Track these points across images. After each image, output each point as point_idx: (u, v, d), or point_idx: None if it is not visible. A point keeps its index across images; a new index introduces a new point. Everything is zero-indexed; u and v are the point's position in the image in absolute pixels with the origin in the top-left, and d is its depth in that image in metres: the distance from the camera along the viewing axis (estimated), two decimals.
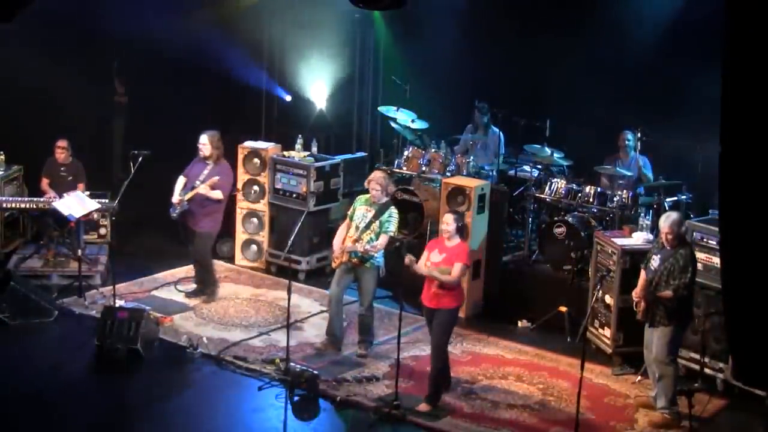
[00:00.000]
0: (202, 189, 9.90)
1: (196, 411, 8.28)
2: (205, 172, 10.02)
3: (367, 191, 9.14)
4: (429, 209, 10.84)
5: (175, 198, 10.04)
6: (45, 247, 10.87)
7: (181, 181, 10.15)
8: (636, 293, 8.16)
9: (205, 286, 10.37)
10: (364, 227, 8.91)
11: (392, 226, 8.89)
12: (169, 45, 12.86)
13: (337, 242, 9.11)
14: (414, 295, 10.28)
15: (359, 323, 9.21)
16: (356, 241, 8.90)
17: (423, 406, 8.18)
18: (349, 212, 9.22)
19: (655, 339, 8.05)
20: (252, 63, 14.01)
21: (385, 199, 9.00)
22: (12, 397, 8.21)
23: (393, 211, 8.98)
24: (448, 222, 8.15)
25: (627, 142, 10.82)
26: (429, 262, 8.15)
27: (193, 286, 10.57)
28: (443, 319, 8.13)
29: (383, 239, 8.84)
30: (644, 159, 10.85)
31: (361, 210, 9.02)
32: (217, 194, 9.95)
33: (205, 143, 10.06)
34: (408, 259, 8.10)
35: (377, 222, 8.88)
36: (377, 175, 9.12)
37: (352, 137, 13.63)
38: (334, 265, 9.18)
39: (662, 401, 8.13)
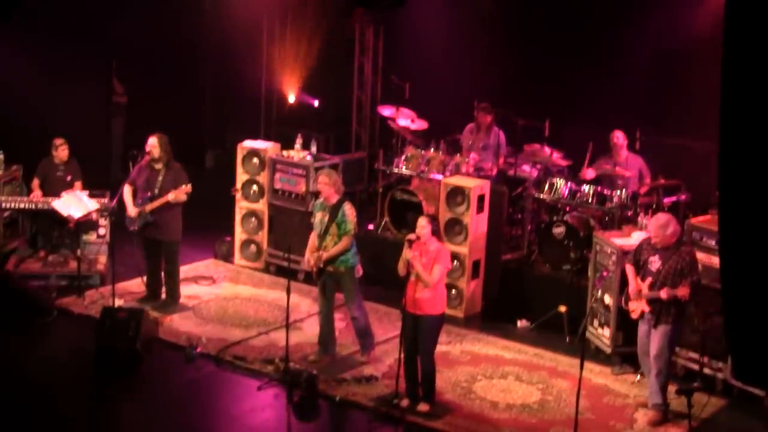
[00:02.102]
0: (172, 197, 9.72)
1: (196, 411, 8.27)
2: (160, 178, 9.82)
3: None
4: (429, 209, 10.83)
5: (132, 210, 9.86)
6: (44, 247, 10.88)
7: (128, 190, 9.90)
8: (636, 293, 8.17)
9: (167, 297, 10.19)
10: (323, 233, 8.82)
11: (349, 225, 8.76)
12: (169, 44, 12.88)
13: (307, 253, 9.04)
14: None
15: (354, 328, 9.18)
16: (320, 249, 8.82)
17: (422, 406, 8.19)
18: (312, 220, 9.12)
19: (655, 337, 8.06)
20: (252, 63, 14.03)
21: (336, 198, 8.87)
22: (12, 397, 8.21)
23: (345, 208, 8.81)
24: (422, 225, 8.07)
25: (617, 141, 10.80)
26: (413, 266, 8.06)
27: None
28: (429, 326, 8.09)
29: (344, 241, 8.76)
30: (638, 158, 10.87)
31: (318, 216, 8.91)
32: (184, 197, 9.80)
33: (154, 145, 9.80)
34: (414, 235, 8.03)
35: (334, 225, 8.79)
36: (322, 175, 8.99)
37: (351, 137, 13.63)
38: (315, 277, 9.08)
39: (656, 397, 8.16)
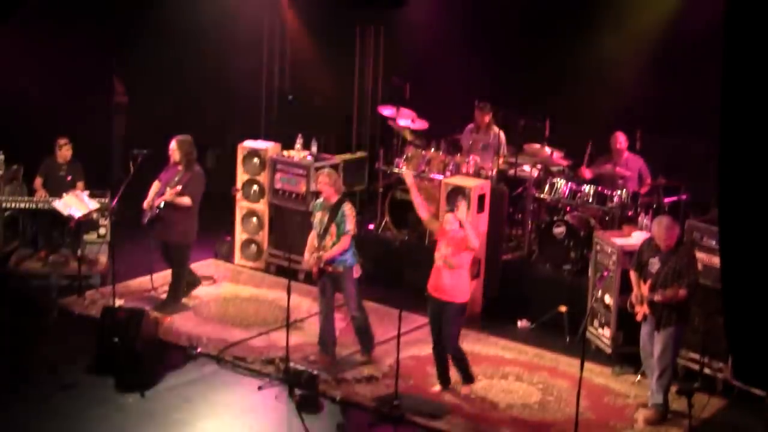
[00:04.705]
0: (168, 196, 9.74)
1: (196, 411, 8.27)
2: (176, 178, 9.85)
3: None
4: (429, 208, 10.83)
5: (145, 203, 9.91)
6: (44, 247, 10.89)
7: (155, 186, 9.98)
8: (637, 297, 8.16)
9: (168, 297, 10.17)
10: (323, 233, 8.81)
11: (349, 225, 8.75)
12: (169, 44, 12.87)
13: (306, 253, 9.02)
14: (412, 295, 10.31)
15: (354, 327, 9.18)
16: (319, 250, 8.82)
17: (464, 389, 8.49)
18: (312, 220, 9.11)
19: (658, 339, 8.06)
20: (252, 62, 14.02)
21: (336, 198, 8.87)
22: (11, 397, 8.21)
23: (346, 208, 8.80)
24: (449, 221, 8.28)
25: (619, 145, 10.80)
26: (438, 254, 8.33)
27: (206, 282, 10.74)
28: (452, 313, 8.27)
29: (344, 241, 8.75)
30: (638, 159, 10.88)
31: (318, 216, 8.91)
32: (185, 200, 9.79)
33: (174, 148, 9.86)
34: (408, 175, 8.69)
35: (334, 225, 8.78)
36: (322, 175, 9.01)
37: (352, 137, 13.63)
38: (314, 277, 9.08)
39: (658, 397, 8.17)
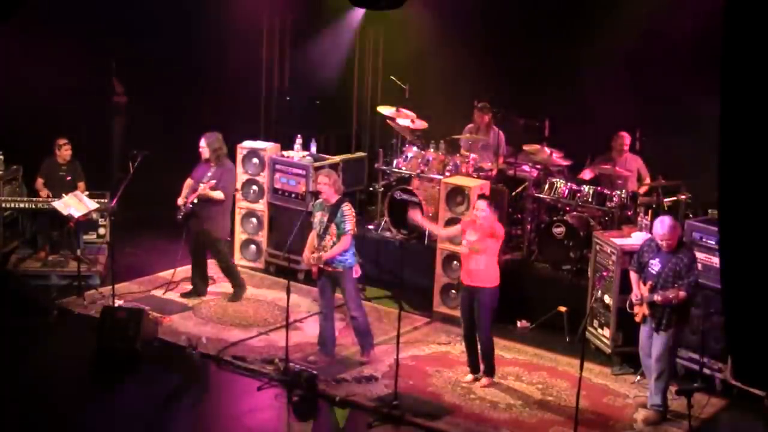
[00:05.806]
0: (202, 190, 9.97)
1: (195, 411, 8.27)
2: (209, 174, 10.08)
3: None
4: (428, 209, 10.83)
5: (180, 200, 10.11)
6: (44, 248, 10.88)
7: (187, 183, 10.22)
8: (637, 297, 8.14)
9: (234, 288, 10.52)
10: (323, 233, 8.82)
11: (348, 225, 8.76)
12: (168, 44, 12.87)
13: (305, 253, 9.03)
14: (412, 295, 10.30)
15: (353, 327, 9.17)
16: (319, 249, 8.83)
17: (484, 381, 8.62)
18: (312, 220, 9.11)
19: (657, 340, 8.05)
20: (251, 62, 14.02)
21: (336, 198, 8.89)
22: (11, 398, 8.21)
23: (345, 208, 8.82)
24: (482, 208, 8.46)
25: (624, 145, 10.80)
26: (465, 241, 8.53)
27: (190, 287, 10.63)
28: (483, 298, 8.44)
29: (344, 241, 8.75)
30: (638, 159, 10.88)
31: (318, 216, 8.92)
32: (218, 194, 10.02)
33: (203, 146, 10.16)
34: (414, 214, 8.96)
35: (333, 225, 8.79)
36: (321, 175, 9.04)
37: (351, 137, 13.62)
38: (314, 276, 9.09)
39: (656, 398, 8.16)
